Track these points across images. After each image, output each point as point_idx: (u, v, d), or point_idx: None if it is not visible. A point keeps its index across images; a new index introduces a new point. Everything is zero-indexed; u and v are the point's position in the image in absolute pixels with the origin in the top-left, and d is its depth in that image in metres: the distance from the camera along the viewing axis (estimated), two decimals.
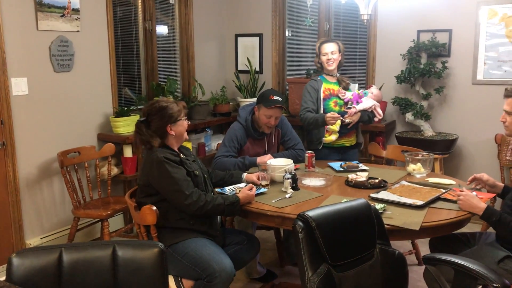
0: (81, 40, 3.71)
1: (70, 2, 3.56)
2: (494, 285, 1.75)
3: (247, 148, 3.25)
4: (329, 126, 3.37)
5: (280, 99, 3.16)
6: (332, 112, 3.35)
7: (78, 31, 3.67)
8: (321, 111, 3.47)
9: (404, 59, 4.28)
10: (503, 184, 2.54)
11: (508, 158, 3.91)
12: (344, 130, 3.45)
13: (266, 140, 3.32)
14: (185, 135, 2.56)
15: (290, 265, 3.47)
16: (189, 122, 2.62)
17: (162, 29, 4.73)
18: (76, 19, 3.63)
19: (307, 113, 3.45)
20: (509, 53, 4.02)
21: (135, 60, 4.48)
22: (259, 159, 3.10)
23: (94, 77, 3.85)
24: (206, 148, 4.61)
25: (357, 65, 4.78)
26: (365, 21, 3.01)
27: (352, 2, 3.18)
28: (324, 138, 3.45)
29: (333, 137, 3.41)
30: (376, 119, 3.58)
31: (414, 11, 4.30)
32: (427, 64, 4.10)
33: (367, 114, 3.49)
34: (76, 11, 3.62)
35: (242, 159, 3.11)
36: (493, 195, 2.60)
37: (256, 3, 5.09)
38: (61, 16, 3.52)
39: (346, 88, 3.51)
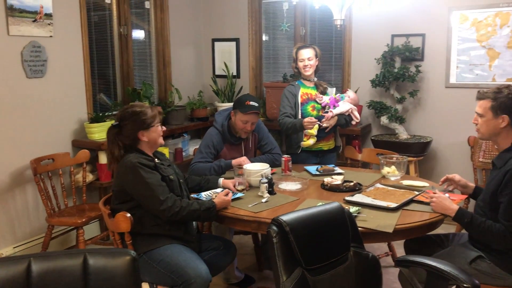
0: (54, 45, 3.65)
1: (42, 7, 3.51)
2: (465, 285, 1.79)
3: (224, 154, 3.25)
4: (307, 131, 3.40)
5: (256, 104, 3.16)
6: (309, 117, 3.39)
7: (51, 36, 3.61)
8: (299, 116, 3.50)
9: (378, 63, 4.33)
10: (474, 185, 2.59)
11: (481, 160, 3.99)
12: (322, 134, 3.48)
13: (243, 145, 3.32)
14: (160, 141, 2.52)
15: (268, 270, 3.47)
16: (165, 128, 2.59)
17: (138, 34, 4.70)
18: (49, 24, 3.58)
19: (285, 118, 3.49)
20: (480, 57, 4.11)
21: (110, 65, 4.43)
22: (235, 161, 3.10)
23: (68, 82, 3.80)
24: (184, 153, 4.59)
25: (333, 70, 4.83)
26: (338, 26, 3.03)
27: (327, 7, 3.20)
28: (302, 143, 3.48)
29: (311, 141, 3.44)
30: (353, 122, 3.62)
31: (388, 16, 4.36)
32: (401, 68, 4.16)
33: (344, 118, 3.52)
34: (48, 16, 3.57)
35: (218, 162, 3.11)
36: (465, 196, 2.64)
37: (232, 8, 5.10)
38: (33, 21, 3.47)
39: (324, 92, 3.55)
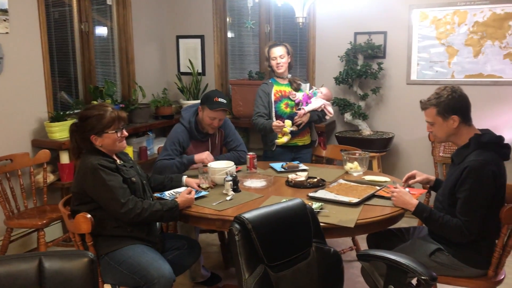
0: (11, 42, 3.54)
1: None
2: (423, 277, 1.83)
3: (190, 151, 3.24)
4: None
5: (224, 101, 3.17)
6: (277, 121, 3.43)
7: (7, 33, 3.50)
8: (273, 114, 3.56)
9: (342, 61, 4.39)
10: (434, 178, 2.66)
11: (441, 154, 4.10)
12: (297, 130, 3.53)
13: (209, 141, 3.32)
14: (120, 146, 2.43)
15: (234, 267, 3.46)
16: (126, 133, 2.47)
17: (100, 31, 4.61)
18: (4, 20, 3.46)
19: (258, 118, 3.56)
20: (440, 54, 4.22)
21: (71, 63, 4.33)
22: (197, 157, 3.10)
23: (26, 80, 3.68)
24: (148, 152, 4.53)
25: (298, 67, 4.86)
26: (301, 24, 3.06)
27: (291, 5, 3.23)
28: (276, 140, 3.53)
29: (285, 139, 3.49)
30: (327, 117, 3.70)
31: (350, 14, 4.42)
32: (363, 65, 4.23)
33: (316, 114, 3.58)
34: (4, 11, 3.45)
35: (180, 159, 3.10)
36: (425, 190, 2.72)
37: (196, 5, 5.06)
38: None
39: (298, 89, 3.60)
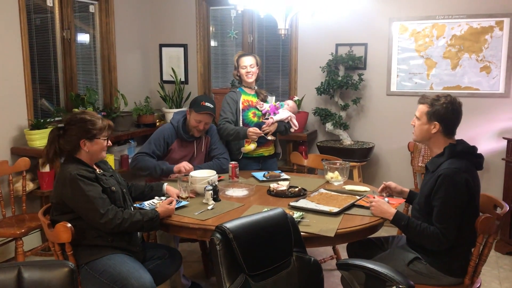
0: None
1: None
2: (400, 286, 1.87)
3: (174, 148, 3.32)
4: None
5: (211, 106, 3.29)
6: (254, 128, 3.44)
7: None
8: (240, 122, 3.56)
9: (323, 72, 4.45)
10: (408, 190, 2.72)
11: (420, 164, 4.18)
12: (263, 140, 3.54)
13: (195, 144, 3.38)
14: (102, 155, 2.44)
15: (215, 277, 3.46)
16: (110, 143, 2.52)
17: (82, 38, 4.59)
18: None
19: (226, 124, 3.52)
20: (419, 66, 4.31)
21: (53, 70, 4.29)
22: (176, 167, 3.14)
23: (6, 87, 3.65)
24: (130, 160, 4.50)
25: (280, 77, 4.91)
26: (283, 35, 3.10)
27: (272, 16, 3.27)
28: (243, 148, 3.52)
29: (252, 146, 3.49)
30: (292, 130, 3.72)
31: (332, 26, 4.49)
32: (344, 76, 4.29)
33: (283, 125, 3.61)
34: None
35: (161, 164, 3.18)
36: (403, 200, 2.76)
37: (180, 14, 5.08)
38: None
39: (264, 100, 3.64)
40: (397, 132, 4.42)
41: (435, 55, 4.24)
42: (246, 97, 3.62)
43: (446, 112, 2.35)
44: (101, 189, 2.33)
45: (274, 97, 3.73)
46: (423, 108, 2.41)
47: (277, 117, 3.54)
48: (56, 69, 4.31)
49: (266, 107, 3.57)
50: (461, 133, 2.49)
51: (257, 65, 3.62)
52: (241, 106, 3.57)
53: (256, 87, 3.69)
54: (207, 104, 3.27)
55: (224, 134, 3.51)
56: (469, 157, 2.34)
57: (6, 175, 3.46)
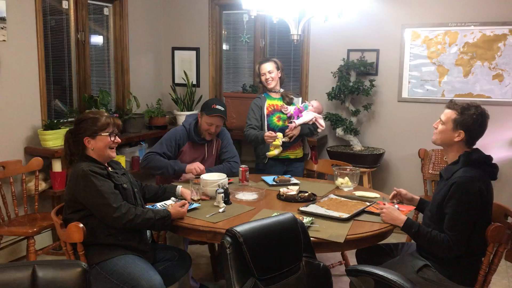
0: (7, 50, 3.56)
1: None
2: None
3: (185, 151, 3.34)
4: (272, 142, 3.51)
5: (222, 108, 3.31)
6: (269, 132, 3.51)
7: (4, 40, 3.52)
8: (265, 127, 3.63)
9: (335, 77, 4.46)
10: (419, 198, 2.71)
11: (430, 171, 4.16)
12: (287, 143, 3.61)
13: (206, 147, 3.41)
14: (109, 152, 2.44)
15: (224, 279, 3.47)
16: (119, 140, 2.51)
17: (96, 40, 4.64)
18: (2, 28, 3.49)
19: (250, 130, 3.64)
20: (431, 73, 4.30)
21: (67, 71, 4.35)
22: (188, 167, 3.18)
23: (22, 88, 3.70)
24: (140, 160, 4.54)
25: (291, 81, 4.92)
26: (295, 41, 3.12)
27: (285, 21, 3.29)
28: (267, 153, 3.59)
29: (276, 152, 3.55)
30: (319, 130, 3.77)
31: (344, 32, 4.50)
32: (356, 82, 4.30)
33: (307, 127, 3.66)
34: (2, 19, 3.48)
35: (173, 164, 3.20)
36: (413, 208, 2.76)
37: (192, 18, 5.12)
38: None
39: (290, 103, 3.68)
40: (408, 139, 4.40)
41: (447, 62, 4.23)
42: (271, 102, 3.68)
43: (474, 123, 2.32)
44: (113, 185, 2.36)
45: (300, 98, 3.77)
46: (451, 114, 2.38)
47: (299, 121, 3.59)
48: (70, 70, 4.37)
49: (290, 110, 3.62)
50: None
51: (278, 69, 3.68)
52: (265, 112, 3.63)
53: (281, 90, 3.73)
54: (218, 107, 3.29)
55: (247, 141, 3.66)
56: (484, 166, 2.33)
57: (19, 174, 3.51)
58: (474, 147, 2.42)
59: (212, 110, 3.27)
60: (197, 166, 3.16)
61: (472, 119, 2.32)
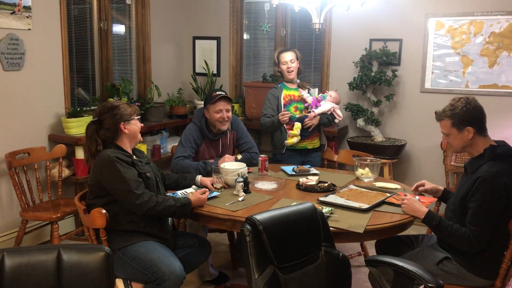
0: (32, 38, 3.62)
1: (21, 0, 3.47)
2: (429, 285, 1.85)
3: (203, 150, 3.28)
4: (290, 131, 3.52)
5: (223, 92, 3.24)
6: (282, 112, 3.48)
7: (29, 29, 3.58)
8: None
9: (356, 67, 4.41)
10: (443, 188, 2.67)
11: (452, 163, 4.10)
12: (306, 133, 3.60)
13: (220, 142, 3.36)
14: (139, 136, 2.55)
15: (242, 267, 3.50)
16: (143, 124, 2.62)
17: (118, 29, 4.68)
18: (27, 17, 3.55)
19: (265, 119, 3.62)
20: (455, 64, 4.22)
21: (90, 60, 4.40)
22: (221, 161, 3.09)
23: (45, 76, 3.76)
24: (162, 150, 4.59)
25: (312, 71, 4.89)
26: (317, 30, 3.10)
27: (307, 10, 3.26)
28: (286, 141, 3.58)
29: (294, 140, 3.54)
30: (336, 121, 3.76)
31: (366, 21, 4.44)
32: (378, 72, 4.25)
33: (326, 117, 3.64)
34: (27, 8, 3.54)
35: (204, 164, 3.09)
36: (435, 199, 2.73)
37: (214, 7, 5.12)
38: (12, 13, 3.43)
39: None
40: (430, 130, 4.34)
41: (472, 52, 4.14)
42: (288, 92, 3.67)
43: (469, 113, 2.30)
44: (137, 173, 2.40)
45: (317, 89, 3.76)
46: (445, 123, 2.35)
47: (318, 110, 3.58)
48: (93, 59, 4.42)
49: (309, 100, 3.60)
50: (497, 133, 2.44)
51: (297, 60, 3.65)
52: (282, 102, 3.62)
53: (298, 81, 3.72)
54: (218, 92, 3.22)
55: (264, 128, 3.65)
56: (509, 159, 2.28)
57: (43, 160, 3.58)
58: (500, 139, 2.37)
59: (213, 97, 3.17)
60: (228, 158, 3.14)
61: (465, 111, 2.30)
